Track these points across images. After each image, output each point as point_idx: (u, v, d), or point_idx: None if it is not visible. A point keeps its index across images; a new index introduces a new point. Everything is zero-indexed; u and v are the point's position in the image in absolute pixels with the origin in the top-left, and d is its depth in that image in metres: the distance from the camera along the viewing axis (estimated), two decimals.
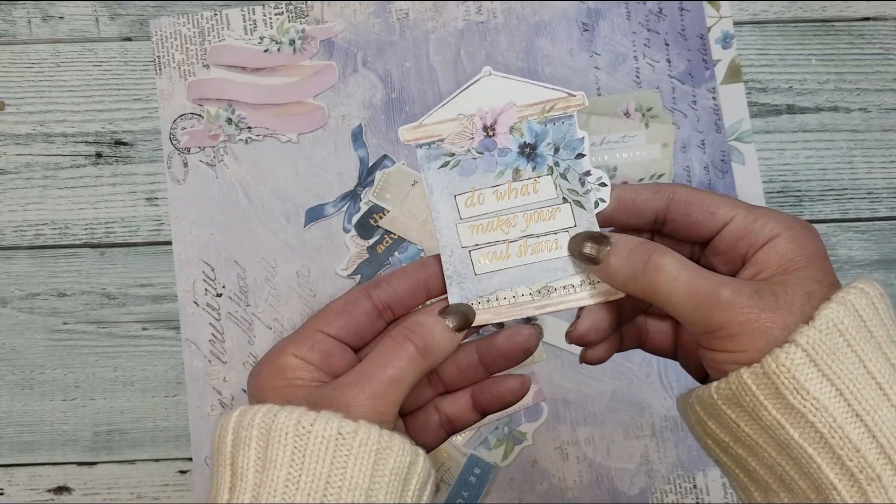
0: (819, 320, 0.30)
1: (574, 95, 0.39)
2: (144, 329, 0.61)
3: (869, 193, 0.62)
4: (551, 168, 0.39)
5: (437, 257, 0.37)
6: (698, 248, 0.36)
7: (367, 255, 0.61)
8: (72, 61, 0.63)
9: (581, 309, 0.37)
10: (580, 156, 0.38)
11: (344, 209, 0.61)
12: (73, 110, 0.62)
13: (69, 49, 0.63)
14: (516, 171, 0.39)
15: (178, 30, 0.62)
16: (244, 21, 0.63)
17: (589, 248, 0.35)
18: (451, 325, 0.35)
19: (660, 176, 0.61)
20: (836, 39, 0.62)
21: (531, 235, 0.38)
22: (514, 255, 0.38)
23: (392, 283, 0.36)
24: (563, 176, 0.38)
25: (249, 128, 0.62)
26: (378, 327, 0.36)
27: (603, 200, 0.38)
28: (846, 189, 0.62)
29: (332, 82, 0.62)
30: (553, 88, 0.39)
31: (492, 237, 0.38)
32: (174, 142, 0.62)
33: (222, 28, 0.62)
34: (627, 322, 0.38)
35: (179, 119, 0.62)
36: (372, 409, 0.32)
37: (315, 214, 0.61)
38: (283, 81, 0.62)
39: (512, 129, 0.39)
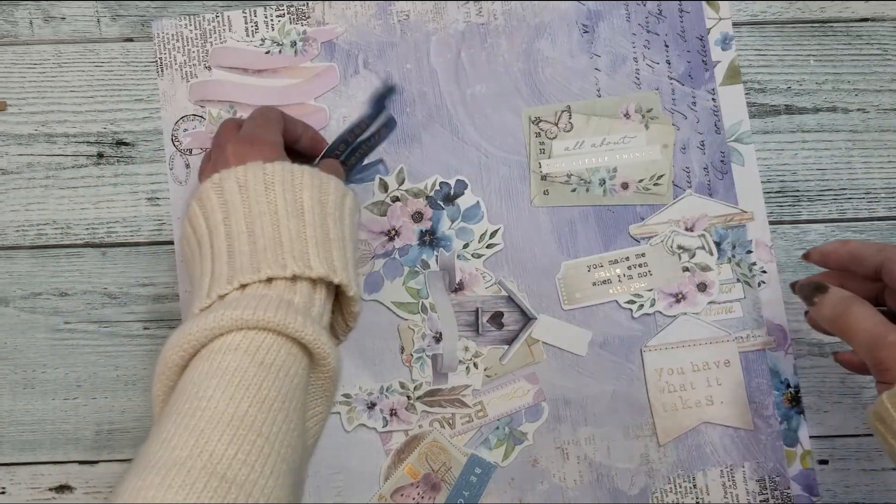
0: None
1: (745, 212, 0.61)
2: (146, 328, 0.61)
3: (867, 193, 0.62)
4: (730, 258, 0.60)
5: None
6: None
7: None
8: (73, 62, 0.63)
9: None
10: (749, 252, 0.60)
11: None
12: (74, 111, 0.63)
13: (71, 49, 0.63)
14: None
15: (180, 31, 0.63)
16: (246, 23, 0.63)
17: (810, 294, 0.47)
18: None
19: (660, 177, 0.61)
20: (834, 40, 0.63)
21: (714, 302, 0.60)
22: (704, 314, 0.60)
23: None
24: (738, 264, 0.60)
25: None
26: None
27: (763, 282, 0.60)
28: (844, 189, 0.62)
29: (334, 84, 0.62)
30: (731, 206, 0.61)
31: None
32: (176, 143, 0.62)
33: (224, 30, 0.63)
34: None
35: (181, 121, 0.62)
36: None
37: None
38: (285, 83, 0.62)
39: (704, 231, 0.60)
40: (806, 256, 0.51)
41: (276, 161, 0.45)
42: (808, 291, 0.48)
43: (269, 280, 0.41)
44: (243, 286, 0.41)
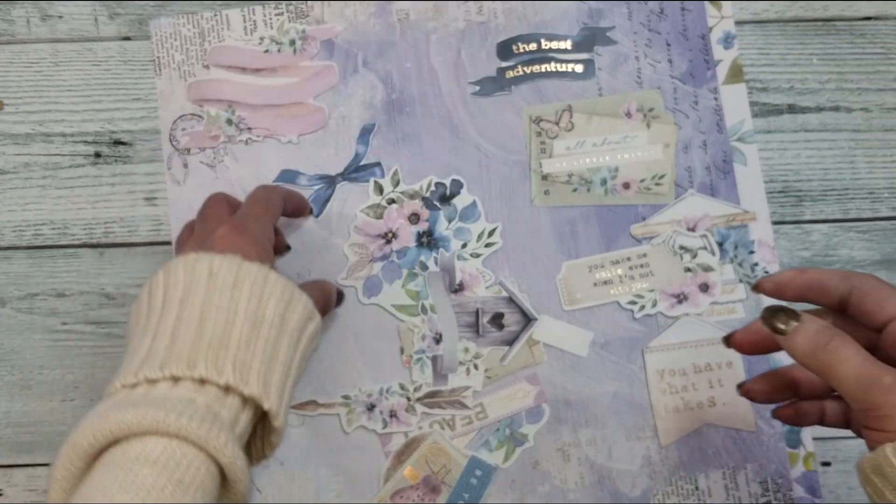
0: None
1: (748, 212, 0.60)
2: None
3: (870, 193, 0.61)
4: (732, 258, 0.60)
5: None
6: (875, 334, 0.41)
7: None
8: (70, 61, 0.63)
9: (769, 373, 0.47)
10: (751, 252, 0.60)
11: (315, 189, 0.61)
12: (71, 110, 0.62)
13: (68, 48, 0.63)
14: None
15: (178, 30, 0.62)
16: (244, 21, 0.62)
17: (780, 322, 0.40)
18: None
19: (661, 177, 0.61)
20: (837, 39, 0.62)
21: (717, 303, 0.59)
22: (706, 314, 0.59)
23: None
24: (740, 264, 0.59)
25: (250, 129, 0.62)
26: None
27: None
28: (847, 189, 0.61)
29: (333, 83, 0.62)
30: (734, 206, 0.60)
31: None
32: (174, 142, 0.62)
33: (222, 28, 0.62)
34: (806, 399, 0.46)
35: (179, 120, 0.62)
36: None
37: (287, 178, 0.61)
38: (284, 82, 0.62)
39: (706, 231, 0.60)
40: (756, 287, 0.44)
41: (255, 262, 0.43)
42: (777, 318, 0.40)
43: (202, 382, 0.39)
44: (175, 379, 0.39)
